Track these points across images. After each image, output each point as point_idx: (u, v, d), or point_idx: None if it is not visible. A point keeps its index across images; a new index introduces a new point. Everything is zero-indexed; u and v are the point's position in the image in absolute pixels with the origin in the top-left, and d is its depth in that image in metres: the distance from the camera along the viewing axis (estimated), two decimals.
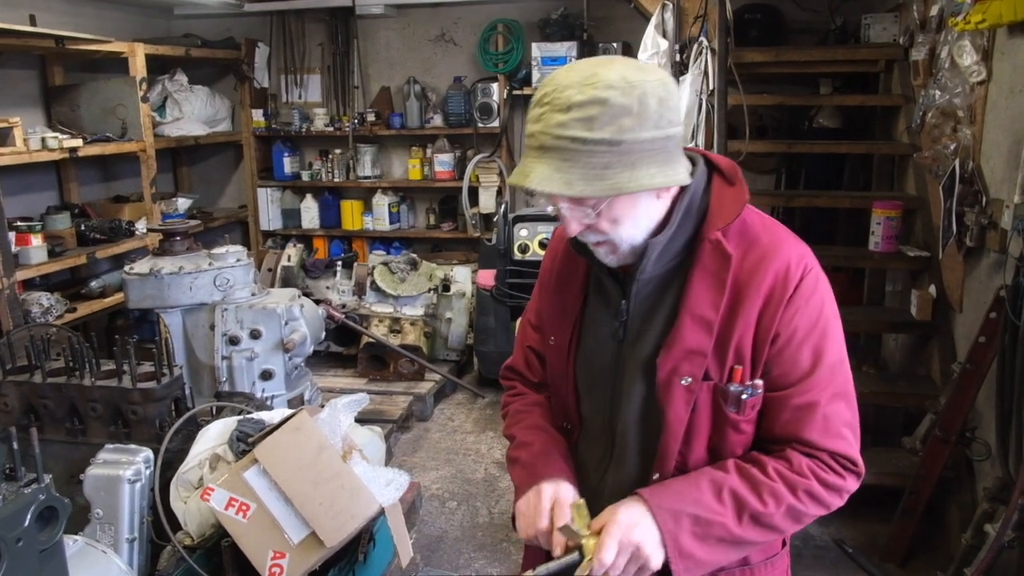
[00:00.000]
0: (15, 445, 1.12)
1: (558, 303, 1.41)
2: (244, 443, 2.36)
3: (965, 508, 2.82)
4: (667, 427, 1.23)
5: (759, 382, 1.21)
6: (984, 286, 2.90)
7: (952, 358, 3.12)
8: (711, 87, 3.36)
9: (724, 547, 1.20)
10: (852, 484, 1.24)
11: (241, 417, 2.54)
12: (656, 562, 1.17)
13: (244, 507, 2.11)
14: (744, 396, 1.21)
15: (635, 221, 1.19)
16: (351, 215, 6.11)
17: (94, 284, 4.73)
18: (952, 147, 3.10)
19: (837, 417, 1.21)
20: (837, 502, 1.24)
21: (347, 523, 2.11)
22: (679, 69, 3.93)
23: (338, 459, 2.13)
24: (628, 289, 1.27)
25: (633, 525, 1.18)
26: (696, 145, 3.37)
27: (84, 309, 4.51)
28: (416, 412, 4.27)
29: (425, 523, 3.28)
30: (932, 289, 3.33)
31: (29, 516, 1.09)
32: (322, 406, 2.32)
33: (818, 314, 1.19)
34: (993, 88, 2.90)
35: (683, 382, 1.21)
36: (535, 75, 5.34)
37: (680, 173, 1.16)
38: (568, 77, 1.11)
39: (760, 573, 1.33)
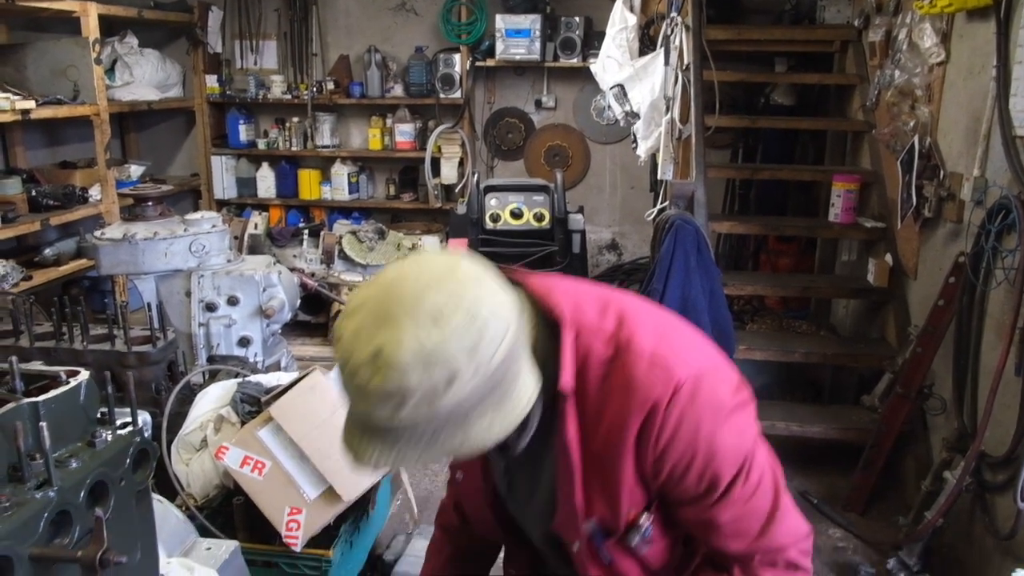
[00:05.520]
0: (109, 389, 1.15)
1: None
2: (249, 404, 2.38)
3: (920, 460, 3.05)
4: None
5: (647, 515, 1.15)
6: (939, 254, 3.11)
7: (907, 322, 3.34)
8: (686, 63, 3.48)
9: None
10: (799, 556, 1.18)
11: (240, 380, 2.55)
12: None
13: (259, 465, 2.15)
14: (648, 535, 1.16)
15: (488, 428, 1.00)
16: (309, 184, 6.03)
17: (48, 252, 4.57)
18: (911, 124, 3.30)
19: (748, 519, 1.13)
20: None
21: (363, 479, 2.17)
22: (647, 43, 4.04)
23: None
24: (508, 455, 1.20)
25: None
26: (672, 118, 3.49)
27: (40, 277, 4.37)
28: None
29: (411, 485, 3.34)
30: (888, 258, 3.54)
31: (129, 458, 1.12)
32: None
33: (693, 441, 1.06)
34: (951, 69, 3.09)
35: (574, 548, 1.19)
36: (499, 47, 5.36)
37: (522, 398, 0.99)
38: (355, 349, 0.93)
39: None
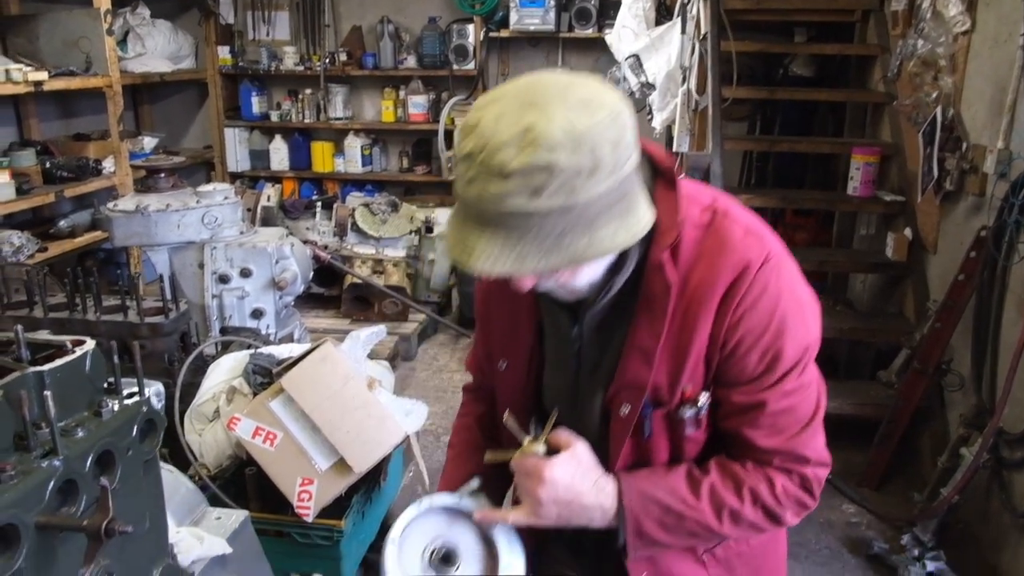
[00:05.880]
0: (116, 359, 1.14)
1: (506, 325, 1.32)
2: (261, 375, 2.38)
3: (937, 436, 3.02)
4: (609, 456, 1.19)
5: (707, 395, 1.14)
6: (960, 228, 3.05)
7: (926, 297, 3.29)
8: (703, 33, 3.41)
9: (693, 538, 1.18)
10: (815, 476, 1.16)
11: (253, 351, 2.55)
12: (585, 522, 1.16)
13: (271, 436, 2.15)
14: (701, 414, 1.15)
15: (595, 269, 1.08)
16: (322, 157, 6.02)
17: (63, 223, 4.59)
18: (933, 95, 3.22)
19: (790, 415, 1.13)
20: (798, 507, 1.17)
21: (374, 450, 2.17)
22: (663, 13, 3.97)
23: (364, 389, 2.18)
24: (580, 317, 1.18)
25: (589, 469, 1.16)
26: (688, 89, 3.43)
27: (55, 249, 4.39)
28: (401, 352, 4.31)
29: (423, 457, 3.35)
30: (908, 232, 3.48)
31: (136, 428, 1.12)
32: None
33: (771, 314, 1.07)
34: (976, 38, 3.01)
35: (621, 412, 1.16)
36: (513, 17, 5.29)
37: (643, 216, 1.01)
38: (498, 130, 0.91)
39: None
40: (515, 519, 1.19)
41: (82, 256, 4.92)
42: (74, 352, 1.09)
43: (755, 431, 1.13)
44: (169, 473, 1.47)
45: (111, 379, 1.14)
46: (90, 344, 1.11)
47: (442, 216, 4.84)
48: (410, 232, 4.72)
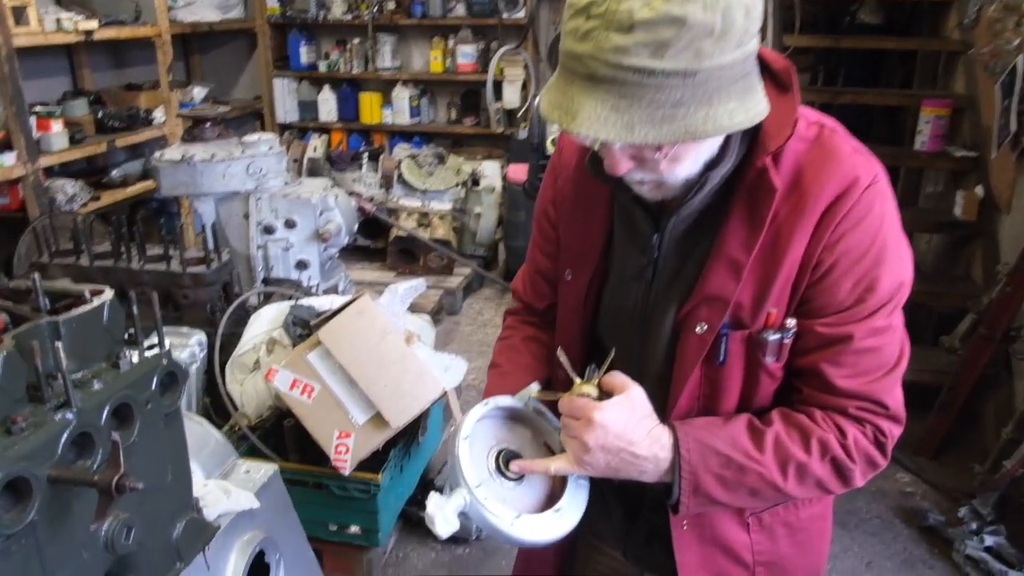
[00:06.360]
0: (135, 310, 1.10)
1: (575, 231, 1.20)
2: (300, 327, 2.36)
3: (1001, 406, 2.88)
4: (673, 381, 1.09)
5: (794, 321, 1.03)
6: None
7: (996, 259, 3.11)
8: None
9: (753, 497, 1.07)
10: (890, 432, 1.06)
11: (294, 302, 2.53)
12: (636, 474, 1.05)
13: (308, 388, 2.13)
14: (785, 340, 1.04)
15: (696, 159, 0.98)
16: (370, 108, 5.95)
17: (115, 173, 4.65)
18: (1015, 43, 3.00)
19: (874, 355, 1.02)
20: (868, 465, 1.06)
21: (411, 405, 2.14)
22: None
23: (402, 343, 2.14)
24: (663, 224, 1.07)
25: (645, 416, 1.05)
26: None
27: (107, 198, 4.45)
28: (446, 306, 4.29)
29: (462, 412, 3.34)
30: (979, 189, 3.28)
31: (155, 380, 1.09)
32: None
33: (872, 238, 0.99)
34: None
35: (697, 329, 1.05)
36: None
37: (760, 102, 0.93)
38: None
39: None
40: (558, 468, 1.07)
41: (134, 206, 4.99)
42: (91, 302, 1.05)
43: (836, 369, 1.02)
44: (199, 425, 1.45)
45: (132, 330, 1.11)
46: (108, 294, 1.08)
47: (489, 169, 4.76)
48: (456, 185, 4.65)
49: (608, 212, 1.16)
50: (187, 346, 2.44)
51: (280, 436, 2.33)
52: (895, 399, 1.05)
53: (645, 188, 1.03)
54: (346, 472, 2.13)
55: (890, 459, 1.08)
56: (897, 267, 1.01)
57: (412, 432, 2.33)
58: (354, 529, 2.26)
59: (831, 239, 0.98)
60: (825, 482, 1.05)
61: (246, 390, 2.42)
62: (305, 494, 2.25)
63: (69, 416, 0.93)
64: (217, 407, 2.45)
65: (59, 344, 0.93)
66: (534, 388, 1.14)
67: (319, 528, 2.29)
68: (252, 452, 2.27)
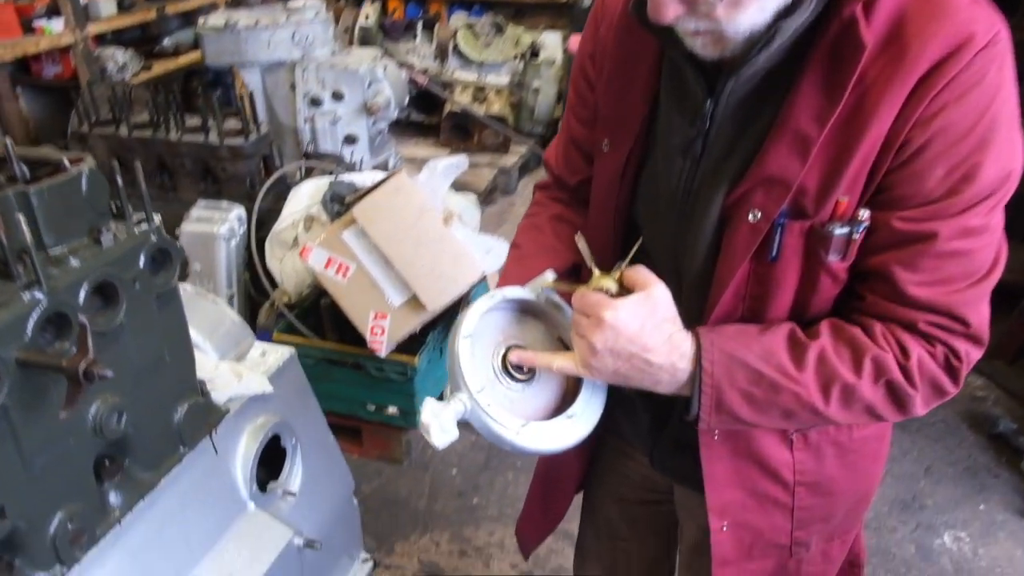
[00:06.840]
0: (119, 181, 1.01)
1: (616, 94, 1.02)
2: (338, 204, 2.28)
3: None
4: (715, 278, 0.93)
5: (868, 212, 0.84)
6: None
7: None
8: None
9: (787, 420, 0.92)
10: (967, 355, 0.87)
11: (333, 178, 2.44)
12: (650, 384, 0.91)
13: (344, 267, 2.06)
14: (855, 235, 0.85)
15: (762, 5, 0.79)
16: None
17: (167, 42, 4.55)
18: None
19: (962, 260, 0.84)
20: (933, 392, 0.89)
21: (448, 288, 2.06)
22: None
23: (439, 223, 2.03)
24: (719, 87, 0.88)
25: (665, 320, 0.90)
26: None
27: (158, 68, 4.37)
28: (500, 185, 4.14)
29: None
30: None
31: (143, 257, 1.00)
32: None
33: (980, 114, 0.78)
34: None
35: (749, 217, 0.87)
36: None
37: None
38: None
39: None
40: (561, 366, 0.94)
41: (188, 76, 4.90)
42: (69, 170, 0.96)
43: (910, 273, 0.84)
44: (213, 304, 1.39)
45: (118, 202, 1.02)
46: (89, 162, 0.98)
47: (550, 40, 4.47)
48: (515, 57, 4.40)
49: (655, 72, 0.97)
50: (226, 221, 2.39)
51: (319, 316, 2.29)
52: (979, 316, 0.86)
53: (699, 42, 0.84)
54: (382, 353, 2.09)
55: (959, 390, 0.90)
56: (1008, 153, 0.81)
57: (452, 315, 2.26)
58: (392, 410, 2.24)
59: (926, 112, 0.78)
60: (877, 408, 0.89)
61: (285, 267, 2.38)
62: (344, 373, 2.23)
63: (39, 295, 0.86)
64: (256, 283, 2.42)
65: (20, 216, 0.84)
66: (549, 277, 0.99)
67: (358, 407, 2.28)
68: (290, 329, 2.24)
